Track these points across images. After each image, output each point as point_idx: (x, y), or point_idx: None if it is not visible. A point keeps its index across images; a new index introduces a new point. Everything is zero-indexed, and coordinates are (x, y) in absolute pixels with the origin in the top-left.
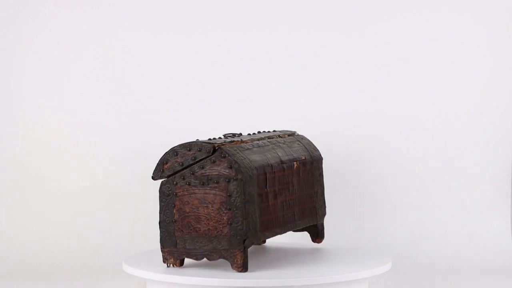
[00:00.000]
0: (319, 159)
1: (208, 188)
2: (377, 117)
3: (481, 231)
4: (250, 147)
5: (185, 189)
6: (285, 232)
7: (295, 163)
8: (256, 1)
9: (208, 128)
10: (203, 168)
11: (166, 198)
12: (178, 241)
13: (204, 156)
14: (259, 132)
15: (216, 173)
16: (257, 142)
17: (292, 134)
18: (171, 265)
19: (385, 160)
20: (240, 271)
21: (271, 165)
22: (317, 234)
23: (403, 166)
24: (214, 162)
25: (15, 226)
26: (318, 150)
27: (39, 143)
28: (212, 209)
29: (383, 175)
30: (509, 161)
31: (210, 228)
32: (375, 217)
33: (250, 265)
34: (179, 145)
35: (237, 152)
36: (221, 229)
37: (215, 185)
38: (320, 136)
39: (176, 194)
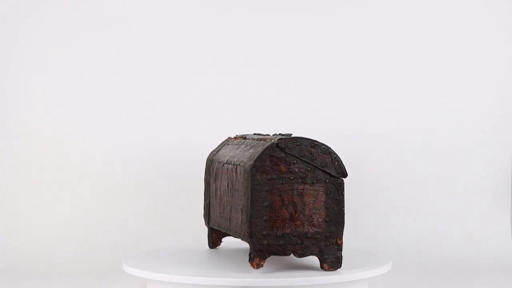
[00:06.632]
0: (249, 170)
1: None
2: (377, 117)
3: (481, 231)
4: (234, 144)
5: None
6: (222, 230)
7: (232, 165)
8: (257, 2)
9: (210, 129)
10: None
11: None
12: None
13: None
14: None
15: None
16: (246, 141)
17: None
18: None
19: (384, 160)
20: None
21: (218, 161)
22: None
23: (403, 167)
24: None
25: (16, 227)
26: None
27: (39, 143)
28: None
29: (382, 176)
30: (509, 161)
31: None
32: (375, 218)
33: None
34: None
35: (219, 146)
36: None
37: None
38: (320, 139)
39: None
